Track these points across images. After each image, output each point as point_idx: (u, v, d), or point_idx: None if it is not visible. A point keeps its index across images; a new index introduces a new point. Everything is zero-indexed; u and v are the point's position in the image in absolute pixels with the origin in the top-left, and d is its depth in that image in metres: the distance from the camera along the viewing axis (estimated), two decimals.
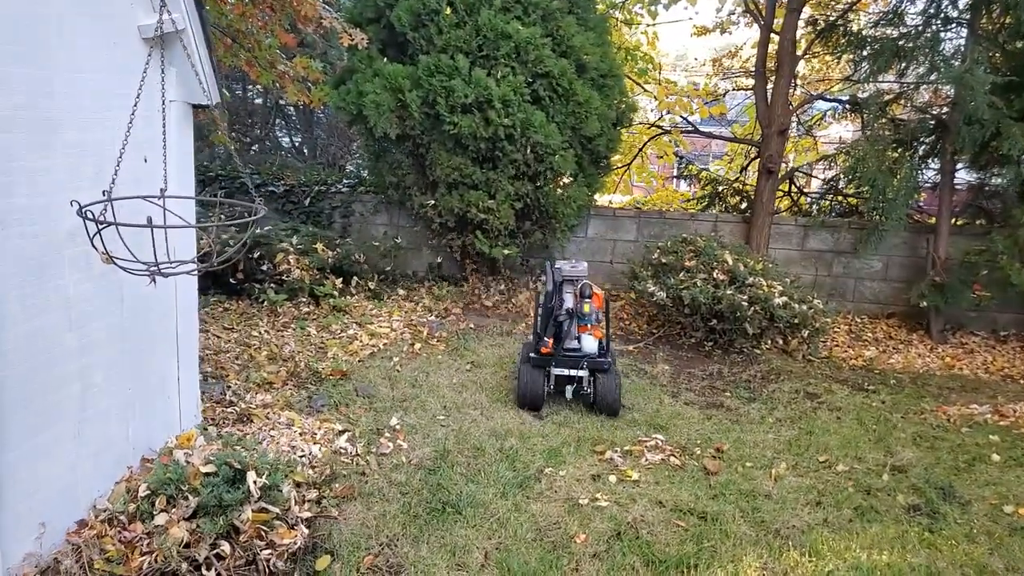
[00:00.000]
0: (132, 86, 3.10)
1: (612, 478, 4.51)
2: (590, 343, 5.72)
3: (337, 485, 4.13)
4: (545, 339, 5.67)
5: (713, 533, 3.94)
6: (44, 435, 3.16)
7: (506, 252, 8.45)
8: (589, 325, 5.78)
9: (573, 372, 5.64)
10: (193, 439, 3.97)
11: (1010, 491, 4.63)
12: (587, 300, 5.74)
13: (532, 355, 5.68)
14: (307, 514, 3.71)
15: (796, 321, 7.16)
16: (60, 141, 3.10)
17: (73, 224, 3.08)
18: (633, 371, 6.73)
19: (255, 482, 3.44)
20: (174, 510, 3.29)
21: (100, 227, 2.61)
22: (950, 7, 8.23)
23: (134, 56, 3.42)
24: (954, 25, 8.26)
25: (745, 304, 7.03)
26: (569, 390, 5.75)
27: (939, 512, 4.31)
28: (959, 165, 8.60)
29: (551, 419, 5.44)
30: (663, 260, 7.97)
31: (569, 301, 5.79)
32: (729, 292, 7.14)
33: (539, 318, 5.98)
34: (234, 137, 12.89)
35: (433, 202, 8.47)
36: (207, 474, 3.41)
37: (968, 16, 8.07)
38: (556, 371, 5.68)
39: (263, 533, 3.37)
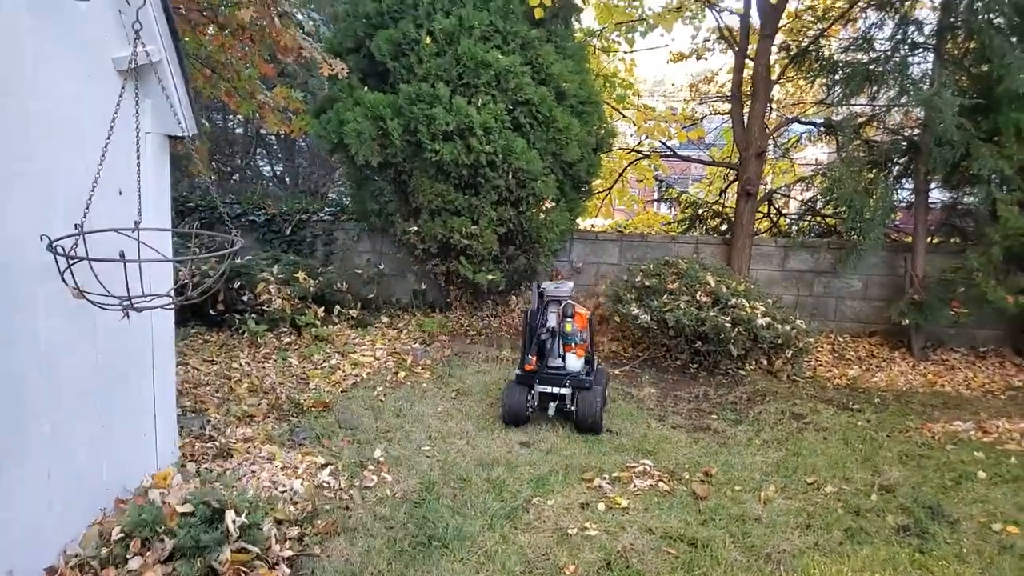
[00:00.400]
0: (107, 117, 3.06)
1: (601, 506, 4.45)
2: (573, 361, 5.82)
3: (320, 521, 4.03)
4: (529, 356, 5.78)
5: (704, 560, 3.88)
6: (9, 476, 3.04)
7: (490, 277, 8.43)
8: (573, 344, 5.84)
9: (556, 389, 5.73)
10: (170, 478, 3.87)
11: (997, 508, 4.61)
12: (569, 319, 5.82)
13: (517, 372, 5.83)
14: (288, 553, 3.60)
15: (780, 341, 7.17)
16: (32, 171, 3.04)
17: (44, 258, 3.00)
18: (620, 395, 6.69)
19: (234, 521, 3.34)
20: (149, 553, 3.18)
21: (71, 262, 2.55)
22: (916, 33, 8.42)
23: (109, 88, 3.38)
24: (921, 50, 8.45)
25: (729, 325, 7.04)
26: (552, 407, 5.81)
27: (928, 532, 4.28)
28: (932, 185, 8.73)
29: (538, 447, 5.37)
30: (646, 283, 7.97)
31: (552, 320, 5.87)
32: (712, 314, 7.15)
33: (526, 337, 6.04)
34: (215, 167, 12.84)
35: (416, 228, 8.46)
36: (184, 514, 3.31)
37: (934, 41, 8.27)
38: (540, 388, 5.77)
39: (243, 574, 3.27)
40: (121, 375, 3.78)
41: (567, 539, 4.04)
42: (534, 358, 5.78)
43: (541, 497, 4.53)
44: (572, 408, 5.71)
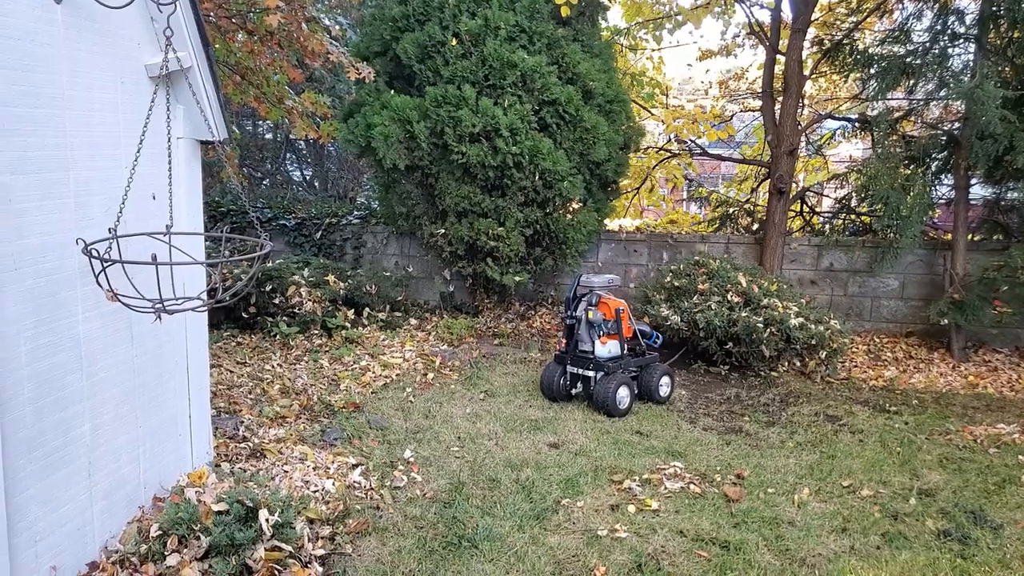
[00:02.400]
0: (140, 124, 3.11)
1: (631, 508, 4.42)
2: (600, 347, 6.36)
3: (351, 520, 4.06)
4: (562, 339, 6.57)
5: (736, 563, 3.83)
6: (54, 477, 3.12)
7: (517, 279, 8.43)
8: (600, 332, 6.38)
9: (582, 371, 6.34)
10: (205, 477, 3.92)
11: None
12: (591, 308, 6.38)
13: (555, 353, 6.62)
14: (321, 551, 3.64)
15: (813, 342, 7.05)
16: (71, 180, 3.11)
17: (83, 263, 3.07)
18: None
19: (267, 520, 3.38)
20: (186, 550, 3.24)
21: (105, 265, 2.60)
22: (957, 23, 8.21)
23: (142, 94, 3.45)
24: (961, 41, 8.24)
25: (761, 326, 6.94)
26: (580, 385, 6.42)
27: (970, 537, 4.17)
28: (973, 180, 8.52)
29: (567, 448, 5.35)
30: (676, 283, 7.89)
31: (583, 309, 6.44)
32: (744, 314, 7.05)
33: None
34: (245, 172, 13.02)
35: (443, 231, 8.48)
36: (219, 513, 3.36)
37: (975, 31, 8.05)
38: (570, 368, 6.40)
39: (276, 572, 3.31)
40: (157, 377, 3.85)
41: (597, 541, 4.02)
42: (564, 341, 6.50)
43: (570, 499, 4.51)
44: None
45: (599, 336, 6.36)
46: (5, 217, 2.78)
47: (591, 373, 6.25)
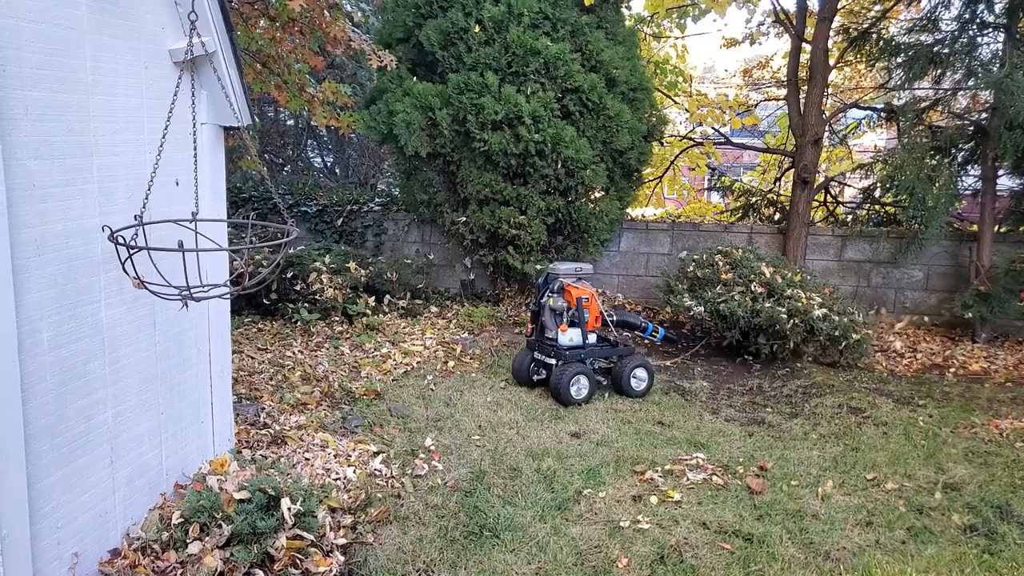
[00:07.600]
0: (164, 109, 3.10)
1: (653, 499, 4.39)
2: (561, 336, 6.32)
3: (372, 509, 4.06)
4: (529, 324, 6.71)
5: (760, 556, 3.79)
6: (76, 463, 3.13)
7: (538, 267, 8.39)
8: (563, 320, 6.36)
9: (544, 359, 6.35)
10: (226, 464, 3.94)
11: None
12: (552, 295, 6.38)
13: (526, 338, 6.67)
14: (342, 540, 3.64)
15: (837, 333, 6.96)
16: (94, 165, 3.11)
17: (106, 249, 3.07)
18: (671, 387, 6.59)
19: (289, 509, 3.38)
20: (208, 538, 3.24)
21: (131, 252, 2.60)
22: (986, 12, 8.06)
23: (165, 79, 3.44)
24: (990, 30, 8.09)
25: (784, 317, 6.86)
26: (544, 372, 6.41)
27: (997, 532, 4.12)
28: (1001, 171, 8.38)
29: (588, 438, 5.33)
30: (698, 273, 7.81)
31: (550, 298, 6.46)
32: (768, 305, 6.97)
33: None
34: (267, 158, 13.06)
35: (464, 219, 8.45)
36: (241, 501, 3.36)
37: (1005, 20, 7.91)
38: (536, 355, 6.41)
39: (298, 561, 3.31)
40: (180, 363, 3.86)
41: (619, 532, 4.00)
42: (530, 326, 6.59)
43: (592, 489, 4.49)
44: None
45: (559, 324, 6.30)
46: (29, 202, 2.77)
47: (551, 361, 6.22)
